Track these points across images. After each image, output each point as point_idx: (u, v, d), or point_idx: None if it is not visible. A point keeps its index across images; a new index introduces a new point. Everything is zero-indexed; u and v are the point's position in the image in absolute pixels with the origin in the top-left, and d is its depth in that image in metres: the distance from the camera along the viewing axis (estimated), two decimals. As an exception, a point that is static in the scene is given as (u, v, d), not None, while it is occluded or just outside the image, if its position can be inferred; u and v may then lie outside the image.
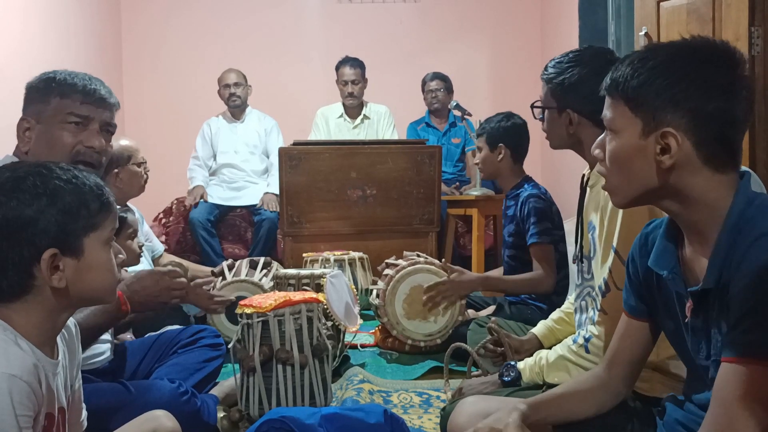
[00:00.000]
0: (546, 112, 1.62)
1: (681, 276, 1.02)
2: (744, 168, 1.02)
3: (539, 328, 1.95)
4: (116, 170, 2.60)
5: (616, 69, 1.03)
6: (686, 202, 0.99)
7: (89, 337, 1.46)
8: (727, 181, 0.97)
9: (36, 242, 0.97)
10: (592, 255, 1.54)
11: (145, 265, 2.71)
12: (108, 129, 1.56)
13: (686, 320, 1.03)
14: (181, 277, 1.62)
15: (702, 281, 0.97)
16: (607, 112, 1.04)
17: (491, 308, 2.61)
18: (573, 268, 1.73)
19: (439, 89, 4.52)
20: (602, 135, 1.07)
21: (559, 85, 1.57)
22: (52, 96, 1.49)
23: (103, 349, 1.71)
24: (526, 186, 2.59)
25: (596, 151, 1.08)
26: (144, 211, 3.09)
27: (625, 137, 1.01)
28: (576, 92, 1.54)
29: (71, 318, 1.14)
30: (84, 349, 1.49)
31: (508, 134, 2.62)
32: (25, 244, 0.97)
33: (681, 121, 0.96)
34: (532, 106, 1.66)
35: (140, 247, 2.19)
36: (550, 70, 1.61)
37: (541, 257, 2.47)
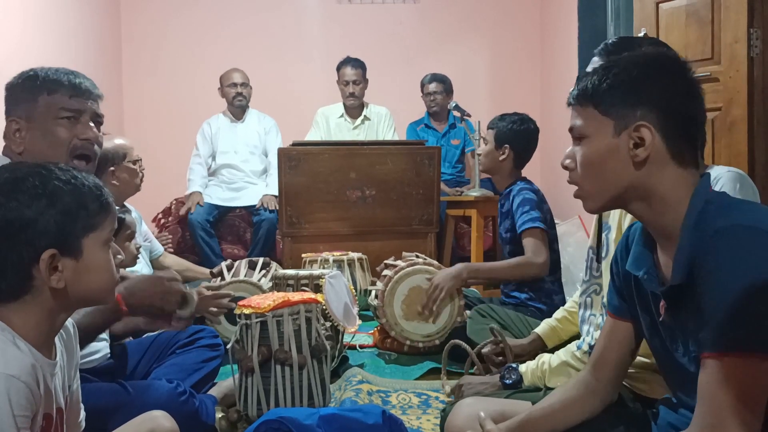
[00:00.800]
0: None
1: (656, 276, 1.06)
2: (712, 167, 1.05)
3: (542, 328, 1.95)
4: (112, 168, 2.60)
5: (581, 81, 1.09)
6: (654, 202, 1.03)
7: (85, 337, 1.46)
8: (690, 179, 1.03)
9: (35, 243, 0.97)
10: (603, 255, 1.55)
11: (143, 265, 2.71)
12: (97, 120, 1.58)
13: (660, 319, 1.06)
14: (179, 281, 1.61)
15: (670, 279, 1.01)
16: (576, 122, 1.09)
17: None
18: (581, 264, 1.73)
19: (437, 92, 4.49)
20: (570, 148, 1.12)
21: None
22: (39, 94, 1.49)
23: (99, 347, 1.71)
24: (518, 182, 2.59)
25: (567, 161, 1.12)
26: (143, 211, 3.09)
27: (597, 139, 1.06)
28: None
29: (69, 319, 1.14)
30: (80, 348, 1.49)
31: (517, 137, 2.60)
32: (25, 245, 0.97)
33: (651, 115, 1.02)
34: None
35: (138, 249, 2.19)
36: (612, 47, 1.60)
37: (533, 241, 2.41)
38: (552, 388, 1.50)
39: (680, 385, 1.09)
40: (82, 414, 1.19)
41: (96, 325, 1.46)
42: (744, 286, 0.87)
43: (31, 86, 1.50)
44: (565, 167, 1.12)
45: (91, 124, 1.54)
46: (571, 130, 1.11)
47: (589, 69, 1.14)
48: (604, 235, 1.55)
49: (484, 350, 1.95)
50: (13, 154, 1.51)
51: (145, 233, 3.00)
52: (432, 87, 4.51)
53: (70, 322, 1.14)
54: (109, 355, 1.79)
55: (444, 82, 4.52)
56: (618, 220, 1.47)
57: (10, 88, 1.53)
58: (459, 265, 2.52)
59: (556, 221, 2.69)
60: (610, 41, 1.63)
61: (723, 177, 1.56)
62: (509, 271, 2.49)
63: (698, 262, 0.94)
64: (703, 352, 0.92)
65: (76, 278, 1.01)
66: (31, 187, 0.98)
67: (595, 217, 1.64)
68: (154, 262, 3.11)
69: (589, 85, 1.07)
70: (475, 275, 2.58)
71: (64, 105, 1.50)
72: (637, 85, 1.03)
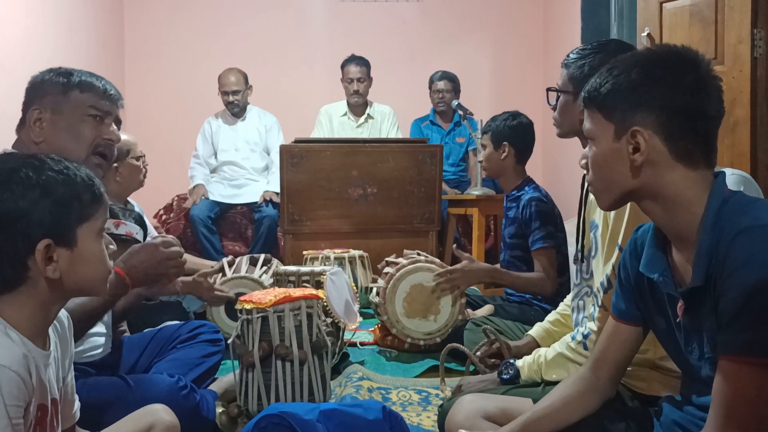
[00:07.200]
0: (561, 97, 1.63)
1: (672, 278, 1.05)
2: (719, 168, 1.06)
3: (536, 330, 1.95)
4: (115, 164, 2.61)
5: (588, 83, 1.10)
6: (665, 203, 1.03)
7: (92, 318, 1.47)
8: (701, 179, 1.01)
9: (30, 234, 0.97)
10: (592, 254, 1.54)
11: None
12: (117, 125, 1.65)
13: (677, 320, 1.05)
14: (175, 246, 1.62)
15: (690, 280, 0.99)
16: (586, 123, 1.11)
17: (488, 307, 2.61)
18: (573, 268, 1.74)
19: (446, 90, 4.46)
20: (587, 147, 1.13)
21: (579, 68, 1.58)
22: (71, 89, 1.54)
23: (99, 342, 1.71)
24: (527, 188, 2.58)
25: (582, 161, 1.14)
26: (145, 207, 3.09)
27: (602, 143, 1.08)
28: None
29: (64, 311, 1.14)
30: (86, 331, 1.51)
31: (513, 133, 2.61)
32: (20, 236, 0.97)
33: (648, 119, 1.01)
34: (549, 90, 1.67)
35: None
36: (572, 56, 1.63)
37: (545, 261, 2.46)
38: (549, 381, 1.50)
39: (693, 386, 1.09)
40: (77, 405, 1.19)
41: (101, 303, 1.46)
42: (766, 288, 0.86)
43: (64, 80, 1.55)
44: (581, 166, 1.15)
45: (113, 127, 1.61)
46: (582, 131, 1.13)
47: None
48: (591, 234, 1.55)
49: (478, 353, 1.95)
50: (24, 146, 1.53)
51: (148, 228, 3.00)
52: (441, 85, 4.48)
53: (64, 315, 1.15)
54: (110, 350, 1.79)
55: (454, 81, 4.49)
56: (603, 216, 1.48)
57: (40, 80, 1.57)
58: (488, 268, 2.53)
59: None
60: (576, 48, 1.64)
61: (727, 180, 1.56)
62: (527, 285, 2.51)
63: (717, 262, 0.93)
64: (720, 354, 0.91)
65: (70, 268, 1.01)
66: (24, 178, 0.98)
67: (574, 222, 1.65)
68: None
69: (592, 89, 1.08)
70: (499, 280, 2.61)
71: (95, 104, 1.55)
72: (636, 87, 1.03)
